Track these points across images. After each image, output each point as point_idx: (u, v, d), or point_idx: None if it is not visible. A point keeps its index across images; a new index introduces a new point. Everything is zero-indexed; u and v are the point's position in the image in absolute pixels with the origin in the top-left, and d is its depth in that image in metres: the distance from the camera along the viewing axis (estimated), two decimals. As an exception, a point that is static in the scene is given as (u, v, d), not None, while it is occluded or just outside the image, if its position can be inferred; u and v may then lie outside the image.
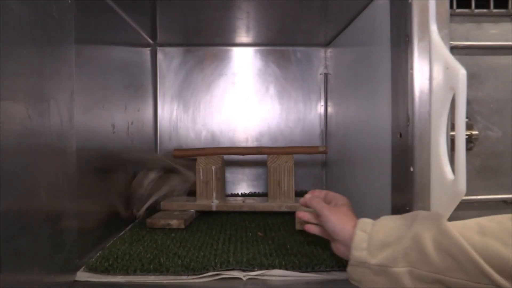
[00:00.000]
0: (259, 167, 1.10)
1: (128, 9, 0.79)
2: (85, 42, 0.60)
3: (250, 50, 1.10)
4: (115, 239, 0.70)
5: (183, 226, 0.77)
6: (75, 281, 0.53)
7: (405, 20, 0.51)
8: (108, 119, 0.71)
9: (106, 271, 0.55)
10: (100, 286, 0.52)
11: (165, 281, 0.53)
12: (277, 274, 0.55)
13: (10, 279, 0.39)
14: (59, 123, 0.47)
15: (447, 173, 0.45)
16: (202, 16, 0.85)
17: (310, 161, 1.10)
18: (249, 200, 0.87)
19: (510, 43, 0.54)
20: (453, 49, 0.53)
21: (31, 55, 0.41)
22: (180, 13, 0.84)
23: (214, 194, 0.85)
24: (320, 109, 1.10)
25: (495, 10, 0.54)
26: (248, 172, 1.11)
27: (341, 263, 0.57)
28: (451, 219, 0.52)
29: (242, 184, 1.11)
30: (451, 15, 0.53)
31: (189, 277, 0.54)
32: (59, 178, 0.48)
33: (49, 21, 0.45)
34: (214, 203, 0.85)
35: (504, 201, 0.55)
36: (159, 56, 1.09)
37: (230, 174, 1.10)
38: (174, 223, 0.77)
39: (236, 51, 1.09)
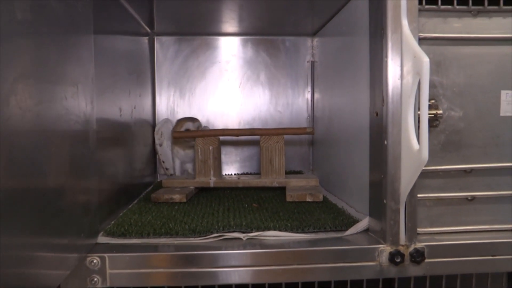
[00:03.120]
0: (251, 149, 1.18)
1: (130, -1, 0.85)
2: (96, 32, 0.67)
3: (242, 40, 1.17)
4: (125, 211, 0.78)
5: (184, 200, 0.85)
6: (97, 243, 0.61)
7: (381, 15, 0.59)
8: (117, 103, 0.78)
9: (122, 235, 0.63)
10: (119, 246, 0.60)
11: (175, 242, 0.62)
12: (272, 235, 0.63)
13: (57, 239, 0.46)
14: (84, 105, 0.55)
15: (413, 144, 0.54)
16: (197, 6, 0.92)
17: (298, 142, 1.19)
18: (244, 177, 0.96)
19: (470, 35, 0.63)
20: (422, 40, 0.62)
21: (64, 44, 0.48)
22: (176, 3, 0.90)
23: (212, 172, 0.93)
24: (307, 94, 1.19)
25: (458, 7, 0.63)
26: (240, 153, 1.19)
27: (327, 226, 0.66)
28: (420, 188, 0.62)
29: (235, 164, 1.19)
30: (421, 10, 0.61)
31: (196, 238, 0.63)
32: (85, 154, 0.56)
33: (76, 15, 0.52)
34: (212, 180, 0.93)
35: (464, 170, 0.64)
36: (156, 44, 1.15)
37: (224, 156, 1.18)
38: (176, 197, 0.85)
39: (229, 40, 1.17)
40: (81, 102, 0.54)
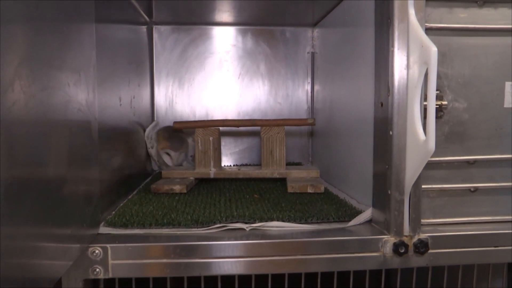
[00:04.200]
0: (250, 140, 1.18)
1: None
2: (97, 20, 0.66)
3: (242, 30, 1.16)
4: (125, 201, 0.77)
5: (185, 191, 0.85)
6: (98, 233, 0.60)
7: (387, 4, 0.58)
8: (116, 92, 0.77)
9: (124, 225, 0.63)
10: (121, 236, 0.59)
11: (178, 232, 0.61)
12: (275, 225, 0.63)
13: (60, 229, 0.45)
14: (86, 93, 0.54)
15: (420, 135, 0.54)
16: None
17: (297, 134, 1.18)
18: (244, 168, 0.95)
19: (476, 26, 0.63)
20: (428, 30, 0.61)
21: (67, 30, 0.47)
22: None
23: (212, 163, 0.93)
24: (307, 86, 1.18)
25: (464, -3, 0.62)
26: (240, 145, 1.18)
27: (330, 216, 0.66)
28: (424, 179, 0.61)
29: (234, 156, 1.19)
30: (427, 0, 0.60)
31: (199, 229, 0.62)
32: (88, 142, 0.55)
33: (78, 1, 0.51)
34: (212, 171, 0.92)
35: (467, 161, 0.64)
36: (155, 34, 1.13)
37: (222, 147, 1.17)
38: (177, 188, 0.84)
39: (228, 31, 1.15)
40: (83, 90, 0.52)
